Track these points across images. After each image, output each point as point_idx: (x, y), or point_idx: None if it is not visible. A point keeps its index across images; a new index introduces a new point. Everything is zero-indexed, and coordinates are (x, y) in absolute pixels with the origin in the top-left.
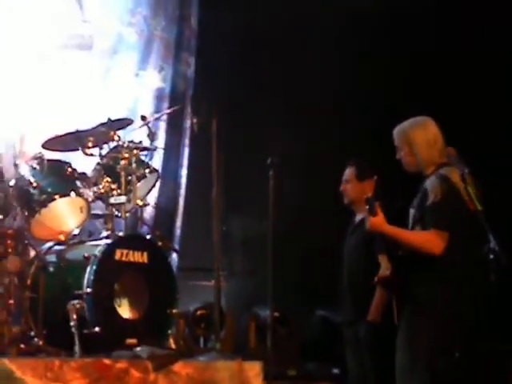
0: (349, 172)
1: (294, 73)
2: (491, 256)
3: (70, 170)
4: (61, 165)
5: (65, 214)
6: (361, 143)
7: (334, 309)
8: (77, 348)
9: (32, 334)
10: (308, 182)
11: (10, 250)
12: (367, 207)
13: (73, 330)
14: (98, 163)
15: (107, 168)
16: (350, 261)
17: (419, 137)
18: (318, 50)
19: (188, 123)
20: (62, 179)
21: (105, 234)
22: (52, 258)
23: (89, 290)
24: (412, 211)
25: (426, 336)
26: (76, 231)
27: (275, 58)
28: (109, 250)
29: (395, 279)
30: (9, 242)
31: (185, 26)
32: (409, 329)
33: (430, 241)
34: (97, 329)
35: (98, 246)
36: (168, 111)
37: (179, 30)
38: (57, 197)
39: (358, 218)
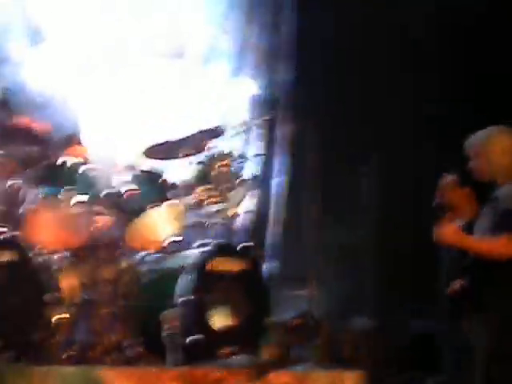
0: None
1: (389, 79)
2: None
3: (164, 179)
4: (155, 174)
5: (159, 223)
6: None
7: (431, 317)
8: (173, 357)
9: (127, 343)
10: (401, 190)
11: (104, 259)
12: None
13: (168, 339)
14: (193, 172)
15: (202, 177)
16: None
17: (496, 145)
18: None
19: (282, 131)
20: (156, 188)
21: (200, 242)
22: (147, 267)
23: (185, 298)
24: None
25: None
26: (171, 240)
27: (370, 64)
28: (204, 259)
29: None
30: (104, 250)
31: (279, 33)
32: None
33: (506, 246)
34: (193, 338)
35: (193, 254)
36: (262, 119)
37: (273, 37)
38: (151, 205)
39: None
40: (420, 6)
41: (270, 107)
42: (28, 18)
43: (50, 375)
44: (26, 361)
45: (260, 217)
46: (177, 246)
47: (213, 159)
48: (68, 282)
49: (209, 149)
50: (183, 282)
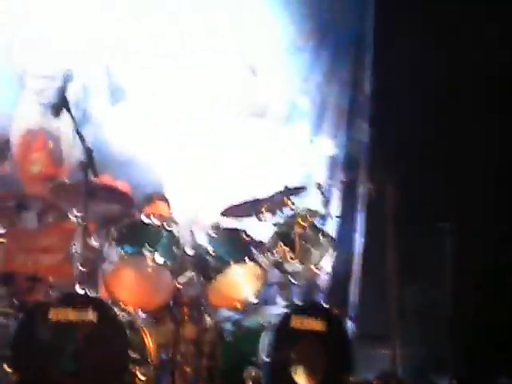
0: None
1: (468, 141)
2: None
3: (246, 237)
4: (237, 232)
5: (241, 282)
6: None
7: None
8: None
9: None
10: (484, 249)
11: (186, 318)
12: None
13: None
14: (274, 230)
15: (283, 235)
16: None
17: None
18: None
19: (362, 190)
20: (238, 246)
21: (281, 301)
22: (228, 325)
23: (265, 357)
24: None
25: None
26: (252, 299)
27: (448, 126)
28: (285, 318)
29: None
30: (185, 309)
31: (358, 92)
32: None
33: None
34: None
35: (274, 313)
36: (343, 180)
37: (352, 96)
38: (233, 264)
39: None
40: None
41: (349, 167)
42: (110, 77)
43: None
44: None
45: (341, 275)
46: (258, 305)
47: (294, 218)
48: (151, 341)
49: (290, 208)
50: (265, 341)
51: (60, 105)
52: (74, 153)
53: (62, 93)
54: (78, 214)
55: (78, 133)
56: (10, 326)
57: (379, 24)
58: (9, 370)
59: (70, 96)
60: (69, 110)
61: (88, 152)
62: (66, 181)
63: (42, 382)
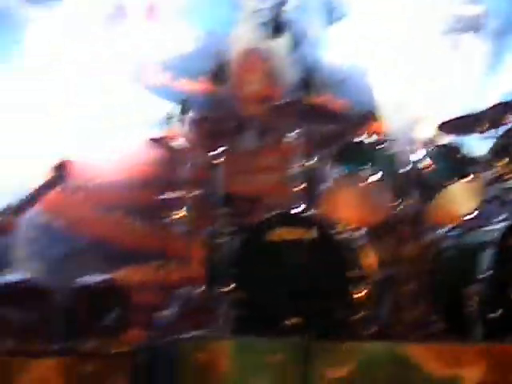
0: None
1: None
2: None
3: (462, 153)
4: (453, 149)
5: (460, 198)
6: None
7: None
8: (475, 333)
9: (430, 319)
10: None
11: (406, 235)
12: None
13: (472, 314)
14: (492, 146)
15: (500, 151)
16: None
17: None
18: None
19: None
20: (456, 163)
21: (499, 218)
22: (448, 242)
23: (488, 274)
24: None
25: None
26: (472, 215)
27: None
28: (504, 235)
29: None
30: (406, 227)
31: None
32: None
33: None
34: (496, 313)
35: (494, 230)
36: None
37: None
38: (451, 180)
39: None
40: None
41: None
42: None
43: (354, 352)
44: (329, 338)
45: None
46: (476, 222)
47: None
48: (369, 259)
49: (508, 122)
50: (484, 258)
51: (277, 25)
52: (289, 73)
53: (278, 13)
54: (296, 134)
55: (295, 52)
56: (232, 245)
57: None
58: (232, 288)
59: (286, 16)
60: (285, 30)
61: (306, 72)
62: (283, 101)
63: (264, 300)
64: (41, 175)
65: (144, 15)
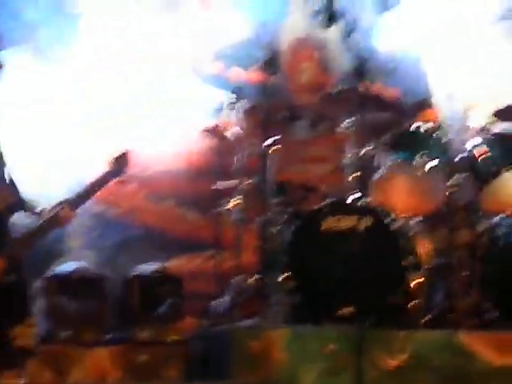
0: None
1: None
2: None
3: None
4: (509, 136)
5: None
6: None
7: None
8: None
9: (485, 306)
10: None
11: (460, 223)
12: None
13: None
14: None
15: None
16: None
17: None
18: None
19: None
20: (510, 150)
21: None
22: (503, 230)
23: None
24: None
25: None
26: None
27: None
28: None
29: None
30: (459, 214)
31: None
32: None
33: None
34: None
35: None
36: None
37: None
38: (506, 168)
39: None
40: None
41: None
42: None
43: (410, 339)
44: (385, 325)
45: None
46: None
47: None
48: (424, 247)
49: None
50: None
51: (329, 14)
52: (341, 61)
53: (331, 1)
54: (349, 123)
55: (348, 41)
56: (285, 234)
57: None
58: (285, 277)
59: (339, 4)
60: (337, 19)
61: (359, 60)
62: (336, 90)
63: (317, 289)
64: (100, 167)
65: (197, 5)
